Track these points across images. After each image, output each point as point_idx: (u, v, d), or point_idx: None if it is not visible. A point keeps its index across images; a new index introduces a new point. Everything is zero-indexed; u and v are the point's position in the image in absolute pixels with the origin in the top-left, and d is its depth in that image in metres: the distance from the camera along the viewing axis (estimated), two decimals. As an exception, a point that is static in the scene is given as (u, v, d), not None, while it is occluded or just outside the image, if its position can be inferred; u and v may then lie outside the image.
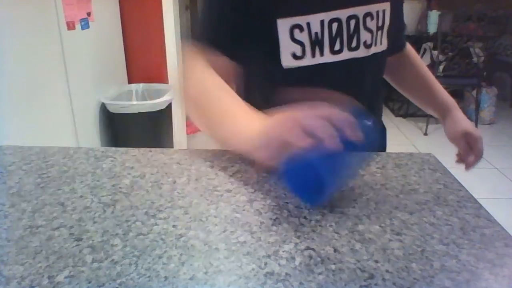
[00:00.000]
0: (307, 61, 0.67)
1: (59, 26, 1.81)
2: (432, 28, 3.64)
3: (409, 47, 0.91)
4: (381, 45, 0.74)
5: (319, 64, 0.68)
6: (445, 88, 0.88)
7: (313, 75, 0.69)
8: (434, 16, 3.61)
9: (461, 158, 0.84)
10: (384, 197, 0.53)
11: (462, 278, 0.38)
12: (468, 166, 0.82)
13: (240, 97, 0.63)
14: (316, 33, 0.66)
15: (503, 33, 3.90)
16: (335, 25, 0.66)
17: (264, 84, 0.74)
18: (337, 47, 0.68)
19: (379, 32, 0.72)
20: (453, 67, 3.45)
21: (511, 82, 4.22)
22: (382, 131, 0.87)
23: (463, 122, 0.84)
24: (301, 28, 0.65)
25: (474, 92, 3.63)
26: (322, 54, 0.67)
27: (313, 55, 0.67)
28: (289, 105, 0.51)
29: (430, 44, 3.65)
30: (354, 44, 0.69)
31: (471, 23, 3.58)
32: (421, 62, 0.92)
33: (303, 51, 0.67)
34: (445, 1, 3.76)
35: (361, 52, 0.70)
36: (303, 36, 0.66)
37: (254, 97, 0.74)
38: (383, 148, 0.87)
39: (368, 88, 0.77)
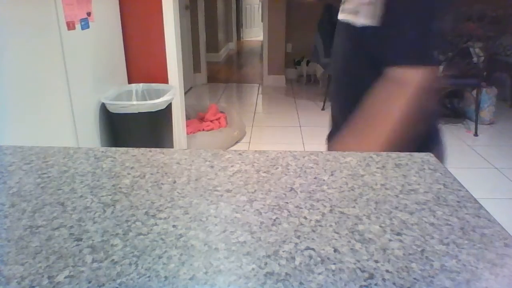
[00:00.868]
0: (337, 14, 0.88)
1: (59, 26, 1.81)
2: (432, 28, 3.63)
3: (413, 76, 0.71)
4: (356, 17, 0.80)
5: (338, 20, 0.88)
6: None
7: (337, 29, 0.90)
8: (434, 16, 3.60)
9: None
10: (384, 197, 0.53)
11: (462, 278, 0.38)
12: None
13: None
14: None
15: (503, 33, 3.90)
16: None
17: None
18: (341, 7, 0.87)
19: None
20: (453, 67, 3.45)
21: (511, 82, 4.22)
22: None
23: None
24: None
25: (474, 92, 3.62)
26: (341, 11, 0.87)
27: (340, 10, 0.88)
28: None
29: (430, 44, 3.64)
30: (349, 6, 0.83)
31: (471, 23, 3.57)
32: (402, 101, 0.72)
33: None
34: (445, 1, 3.75)
35: (349, 16, 0.82)
36: None
37: None
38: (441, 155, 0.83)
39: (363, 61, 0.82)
